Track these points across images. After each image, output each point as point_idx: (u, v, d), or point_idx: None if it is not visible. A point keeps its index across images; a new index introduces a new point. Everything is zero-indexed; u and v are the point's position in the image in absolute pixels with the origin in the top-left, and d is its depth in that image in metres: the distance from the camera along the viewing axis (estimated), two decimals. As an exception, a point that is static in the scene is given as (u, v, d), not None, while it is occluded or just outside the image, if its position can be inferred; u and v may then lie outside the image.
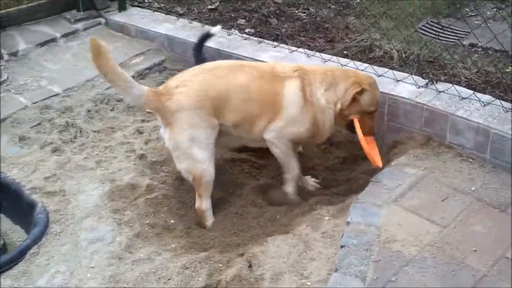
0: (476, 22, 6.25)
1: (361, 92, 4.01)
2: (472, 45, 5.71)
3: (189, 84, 4.02)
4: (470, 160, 4.08)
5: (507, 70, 5.05)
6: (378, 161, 4.12)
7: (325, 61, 4.95)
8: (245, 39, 5.58)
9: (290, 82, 4.05)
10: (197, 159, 4.01)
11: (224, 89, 4.02)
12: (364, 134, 4.10)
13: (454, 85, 4.41)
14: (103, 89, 5.32)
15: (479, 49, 5.60)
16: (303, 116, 4.07)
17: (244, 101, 4.04)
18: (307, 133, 4.14)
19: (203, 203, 4.12)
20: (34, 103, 5.11)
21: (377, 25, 5.67)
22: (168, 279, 3.53)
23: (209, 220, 4.16)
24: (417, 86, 4.47)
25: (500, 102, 4.19)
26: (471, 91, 4.34)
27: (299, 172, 4.29)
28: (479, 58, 5.24)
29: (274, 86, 4.04)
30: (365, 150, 4.09)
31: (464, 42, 5.78)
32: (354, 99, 4.03)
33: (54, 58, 5.80)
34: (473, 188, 3.84)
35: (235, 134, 4.20)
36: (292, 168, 4.26)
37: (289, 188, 4.29)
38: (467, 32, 5.87)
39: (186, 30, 5.86)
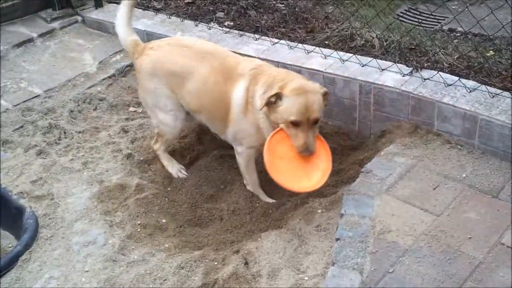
0: (454, 7, 6.29)
1: (276, 96, 3.69)
2: (451, 30, 5.74)
3: (158, 50, 4.25)
4: (459, 147, 4.10)
5: (488, 54, 5.07)
6: (291, 186, 3.76)
7: (308, 52, 4.93)
8: (226, 33, 5.53)
9: (240, 82, 3.95)
10: (162, 121, 4.36)
11: (180, 70, 4.14)
12: (297, 151, 3.75)
13: (439, 72, 4.42)
14: (85, 88, 5.25)
15: (458, 34, 5.63)
16: (244, 118, 3.97)
17: (199, 91, 4.10)
18: (258, 139, 3.99)
19: (160, 148, 4.51)
20: (15, 105, 5.01)
21: (357, 13, 5.66)
22: (164, 280, 3.50)
23: (165, 161, 4.53)
24: (402, 75, 4.47)
25: (486, 88, 4.20)
26: (456, 78, 4.35)
27: (258, 183, 4.26)
28: (459, 43, 5.26)
29: (227, 84, 3.98)
30: (267, 167, 3.76)
31: (443, 27, 5.81)
32: (270, 103, 3.72)
33: (33, 58, 5.70)
34: (464, 175, 3.87)
35: (198, 120, 4.34)
36: (252, 181, 4.26)
37: (259, 195, 4.28)
38: (445, 17, 5.91)
39: (165, 26, 5.79)
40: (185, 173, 4.51)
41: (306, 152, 3.72)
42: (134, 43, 4.37)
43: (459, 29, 5.62)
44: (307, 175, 3.78)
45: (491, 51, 5.15)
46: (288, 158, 3.77)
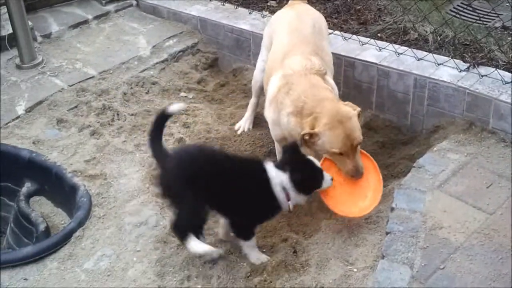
0: (507, 4, 6.16)
1: (310, 135, 3.57)
2: (504, 27, 5.64)
3: (289, 8, 4.56)
4: (514, 145, 4.05)
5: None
6: (340, 210, 3.69)
7: (362, 44, 4.91)
8: (277, 20, 5.52)
9: (277, 75, 3.92)
10: (256, 65, 4.73)
11: (277, 30, 4.34)
12: (346, 176, 3.71)
13: (497, 69, 4.35)
14: (138, 71, 5.31)
15: None
16: (269, 108, 3.95)
17: (271, 54, 4.26)
18: (278, 134, 3.96)
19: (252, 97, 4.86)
20: (70, 85, 5.08)
21: (410, 7, 5.60)
22: (214, 264, 3.54)
23: (247, 112, 4.90)
24: (459, 70, 4.42)
25: (545, 87, 4.14)
26: (514, 76, 4.30)
27: None
28: (513, 41, 5.18)
29: (279, 65, 3.98)
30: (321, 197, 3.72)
31: (496, 25, 5.71)
32: (306, 141, 3.62)
33: (87, 40, 5.78)
34: (518, 175, 3.82)
35: None
36: None
37: None
38: (499, 14, 5.80)
39: (219, 12, 5.81)
40: (246, 130, 4.81)
41: (358, 176, 3.68)
42: None
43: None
44: (361, 196, 3.75)
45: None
46: (339, 183, 3.73)
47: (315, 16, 4.49)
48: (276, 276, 3.43)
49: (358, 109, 3.71)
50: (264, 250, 3.64)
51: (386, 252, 3.35)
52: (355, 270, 3.40)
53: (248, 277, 3.47)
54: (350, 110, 3.65)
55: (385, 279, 3.20)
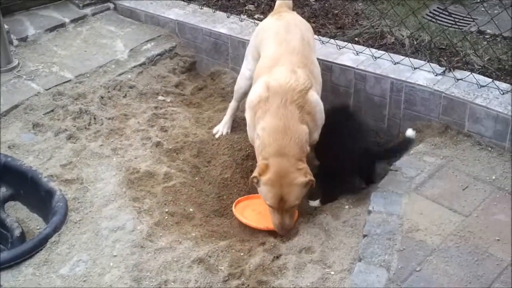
0: (482, 9, 6.23)
1: (256, 179, 3.75)
2: (480, 32, 5.70)
3: (277, 19, 4.47)
4: (489, 148, 4.08)
5: (518, 57, 5.03)
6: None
7: (340, 48, 4.93)
8: (257, 25, 5.52)
9: (262, 79, 3.91)
10: (240, 73, 4.70)
11: (265, 41, 4.29)
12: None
13: (472, 73, 4.40)
14: (115, 75, 5.27)
15: (487, 36, 5.59)
16: (247, 115, 4.02)
17: (259, 65, 4.23)
18: (251, 135, 4.04)
19: (232, 100, 4.82)
20: (46, 89, 5.03)
21: (387, 11, 5.64)
22: (191, 268, 3.52)
23: (226, 116, 4.85)
24: (435, 74, 4.46)
25: (519, 90, 4.19)
26: (489, 79, 4.34)
27: None
28: (488, 45, 5.23)
29: (266, 69, 4.00)
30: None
31: (472, 29, 5.77)
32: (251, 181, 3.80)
33: (64, 43, 5.72)
34: (494, 177, 3.85)
35: None
36: None
37: None
38: (474, 18, 5.86)
39: (197, 16, 5.80)
40: (224, 134, 4.78)
41: (280, 232, 3.79)
42: (279, 5, 4.68)
43: (489, 31, 5.58)
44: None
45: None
46: (255, 220, 3.99)
47: (303, 28, 4.39)
48: (254, 280, 3.42)
49: (310, 178, 3.70)
50: (242, 254, 3.64)
51: (363, 254, 3.37)
52: (332, 273, 3.40)
53: (226, 281, 3.45)
54: (298, 177, 3.68)
55: (362, 282, 3.22)
